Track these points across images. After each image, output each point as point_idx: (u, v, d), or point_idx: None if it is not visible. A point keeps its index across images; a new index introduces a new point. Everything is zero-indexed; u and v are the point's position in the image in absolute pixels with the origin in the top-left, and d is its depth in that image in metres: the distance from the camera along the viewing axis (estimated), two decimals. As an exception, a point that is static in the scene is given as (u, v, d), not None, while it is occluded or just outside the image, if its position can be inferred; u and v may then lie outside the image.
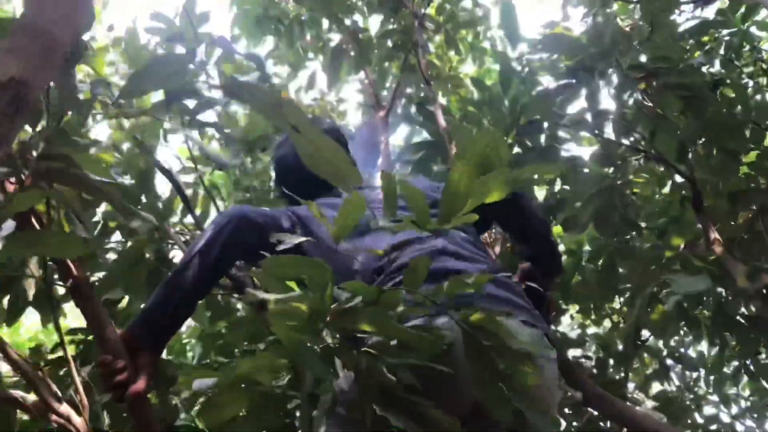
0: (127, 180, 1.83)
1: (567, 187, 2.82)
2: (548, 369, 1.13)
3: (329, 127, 1.76)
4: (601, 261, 2.50)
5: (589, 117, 2.53)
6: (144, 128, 1.81)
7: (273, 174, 1.80)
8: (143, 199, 1.83)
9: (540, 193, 3.46)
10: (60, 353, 1.73)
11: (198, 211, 2.46)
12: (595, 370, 2.56)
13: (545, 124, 2.79)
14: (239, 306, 2.53)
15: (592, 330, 3.04)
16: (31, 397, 1.29)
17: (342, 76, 3.73)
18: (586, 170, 2.61)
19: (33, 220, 0.97)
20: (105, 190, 0.95)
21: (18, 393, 1.31)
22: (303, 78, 7.92)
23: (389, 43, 3.31)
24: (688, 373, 3.16)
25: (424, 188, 1.52)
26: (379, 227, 1.10)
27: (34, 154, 0.88)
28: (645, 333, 2.70)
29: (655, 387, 3.07)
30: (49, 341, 2.91)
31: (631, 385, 3.02)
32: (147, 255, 1.86)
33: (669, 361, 3.04)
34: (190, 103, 1.59)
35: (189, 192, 2.48)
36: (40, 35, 0.72)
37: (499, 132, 0.93)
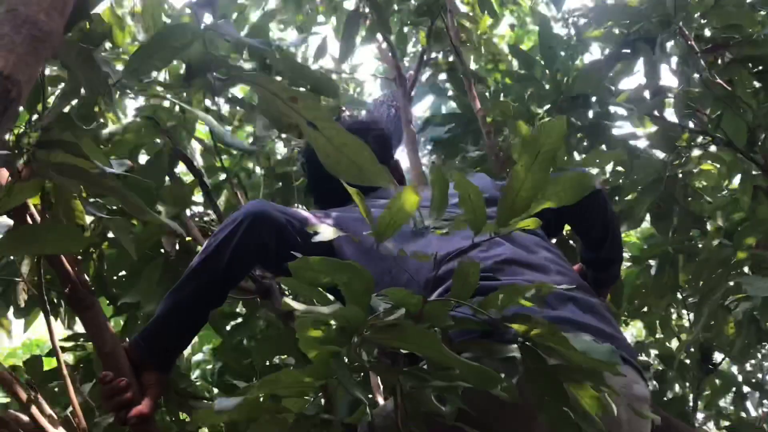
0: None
1: (620, 170, 2.79)
2: (628, 393, 1.10)
3: (362, 124, 1.71)
4: (658, 262, 2.46)
5: (646, 94, 2.48)
6: (158, 108, 1.78)
7: (304, 172, 1.76)
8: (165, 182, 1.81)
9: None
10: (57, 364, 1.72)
11: (222, 204, 2.43)
12: (654, 383, 2.54)
13: (593, 99, 2.75)
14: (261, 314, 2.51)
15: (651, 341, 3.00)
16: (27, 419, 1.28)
17: (358, 43, 3.69)
18: (642, 155, 2.56)
19: (29, 217, 0.95)
20: (108, 185, 0.92)
21: (12, 414, 1.30)
22: (312, 45, 7.86)
23: (412, 3, 3.26)
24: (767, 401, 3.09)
25: (489, 185, 1.48)
26: (425, 229, 1.08)
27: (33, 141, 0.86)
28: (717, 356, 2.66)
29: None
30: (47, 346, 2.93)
31: (700, 416, 2.98)
32: (162, 250, 1.86)
33: (745, 388, 2.98)
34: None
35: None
36: (26, 24, 0.68)
37: (561, 121, 0.90)
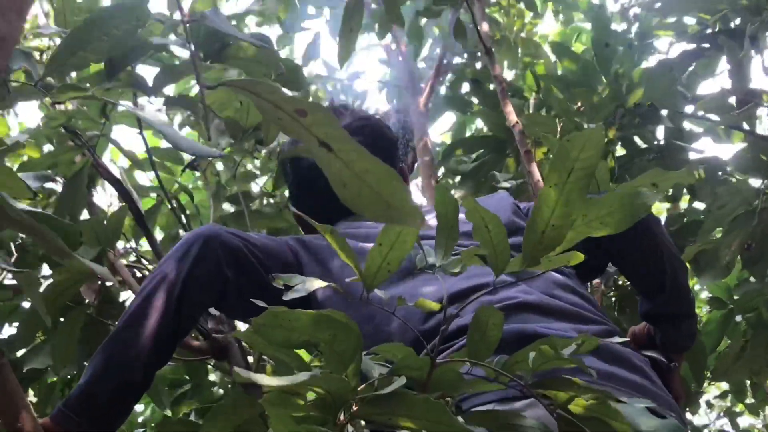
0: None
1: (699, 205, 2.79)
2: None
3: (373, 121, 1.78)
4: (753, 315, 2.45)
5: (732, 101, 2.50)
6: (77, 113, 1.82)
7: (285, 180, 1.80)
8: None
9: (657, 214, 3.41)
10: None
11: (159, 234, 2.47)
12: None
13: (664, 112, 2.78)
14: (214, 377, 2.54)
15: (746, 420, 2.96)
16: None
17: (360, 40, 3.75)
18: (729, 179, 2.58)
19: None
20: (27, 225, 0.94)
21: None
22: (301, 44, 8.00)
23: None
24: None
25: (499, 209, 1.51)
26: (427, 267, 1.10)
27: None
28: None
29: None
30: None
31: None
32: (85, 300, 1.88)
33: None
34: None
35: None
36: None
37: (598, 129, 0.92)
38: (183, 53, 1.58)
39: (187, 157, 2.36)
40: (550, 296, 1.33)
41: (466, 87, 3.54)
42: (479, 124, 3.97)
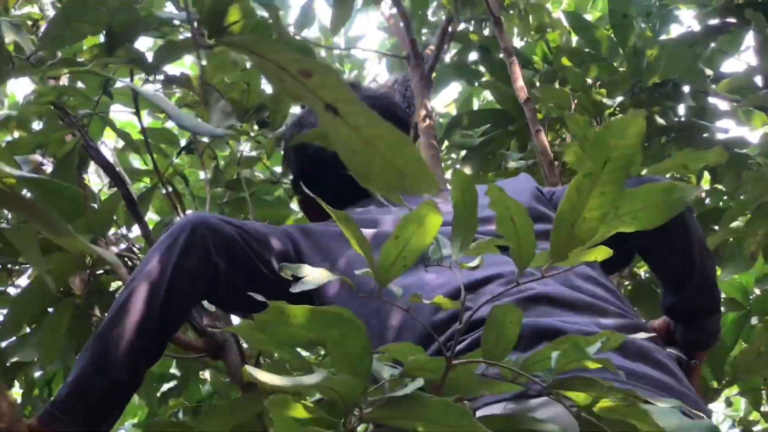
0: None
1: (719, 188, 2.79)
2: None
3: (382, 99, 1.77)
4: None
5: (758, 80, 2.50)
6: (69, 90, 1.80)
7: (289, 167, 1.80)
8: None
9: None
10: None
11: (152, 221, 2.46)
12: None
13: (686, 89, 2.77)
14: (207, 375, 2.53)
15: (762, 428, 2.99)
16: None
17: (358, 5, 3.71)
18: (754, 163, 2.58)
19: None
20: (15, 201, 0.93)
21: None
22: (293, 10, 7.95)
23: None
24: None
25: (519, 193, 1.51)
26: (440, 260, 1.09)
27: None
28: None
29: None
30: None
31: None
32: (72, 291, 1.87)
33: None
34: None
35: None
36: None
37: (640, 116, 0.91)
38: (184, 31, 1.56)
39: (184, 140, 2.36)
40: (570, 288, 1.32)
41: (473, 56, 3.52)
42: (488, 95, 3.96)
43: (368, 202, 1.67)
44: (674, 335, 1.69)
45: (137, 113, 1.94)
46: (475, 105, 4.09)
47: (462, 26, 3.53)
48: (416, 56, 3.27)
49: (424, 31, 3.82)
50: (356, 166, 0.76)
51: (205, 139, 2.30)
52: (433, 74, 3.30)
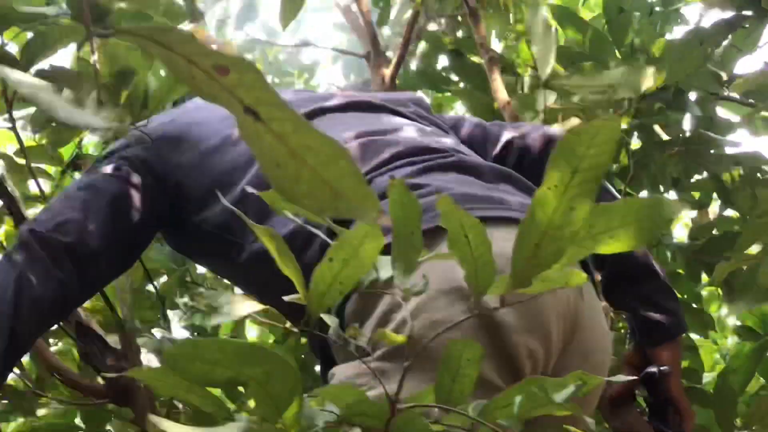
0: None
1: (730, 214, 2.81)
2: None
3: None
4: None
5: (775, 83, 2.53)
6: None
7: None
8: None
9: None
10: None
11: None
12: None
13: (692, 96, 2.80)
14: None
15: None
16: None
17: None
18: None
19: None
20: None
21: None
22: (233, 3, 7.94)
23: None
24: None
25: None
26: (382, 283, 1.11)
27: None
28: None
29: None
30: None
31: None
32: None
33: None
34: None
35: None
36: None
37: (614, 120, 0.92)
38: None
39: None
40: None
41: (443, 61, 3.53)
42: (459, 106, 3.97)
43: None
44: (642, 355, 1.78)
45: (12, 127, 1.92)
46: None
47: (431, 26, 3.54)
48: (377, 54, 3.28)
49: (388, 32, 3.83)
50: (281, 182, 0.75)
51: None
52: (397, 79, 3.31)
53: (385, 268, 1.11)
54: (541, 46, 2.82)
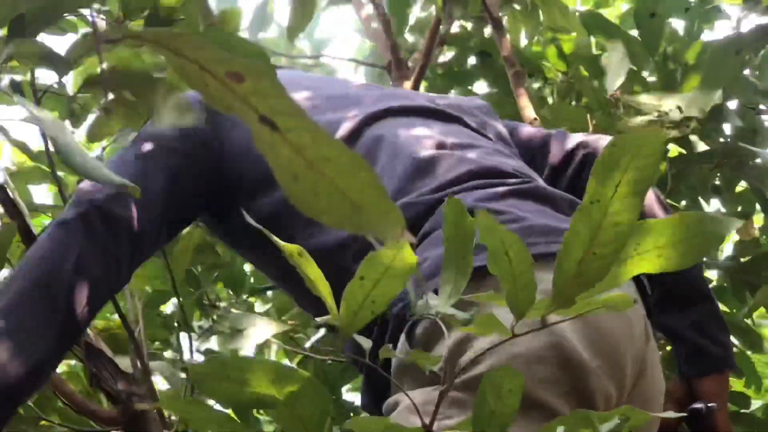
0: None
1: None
2: None
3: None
4: None
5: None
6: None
7: None
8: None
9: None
10: None
11: None
12: None
13: (732, 104, 2.79)
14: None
15: None
16: None
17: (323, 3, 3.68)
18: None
19: None
20: None
21: None
22: (247, 9, 7.99)
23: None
24: None
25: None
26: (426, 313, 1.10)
27: None
28: None
29: None
30: None
31: None
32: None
33: None
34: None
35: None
36: None
37: (661, 131, 0.91)
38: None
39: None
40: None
41: (471, 61, 3.51)
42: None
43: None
44: (686, 387, 1.76)
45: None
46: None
47: (457, 27, 3.52)
48: (399, 65, 3.26)
49: (408, 35, 3.81)
50: (299, 195, 0.74)
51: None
52: (420, 88, 3.29)
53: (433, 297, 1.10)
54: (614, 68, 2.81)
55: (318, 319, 1.06)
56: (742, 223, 2.66)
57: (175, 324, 2.37)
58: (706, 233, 0.93)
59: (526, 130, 1.94)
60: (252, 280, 2.96)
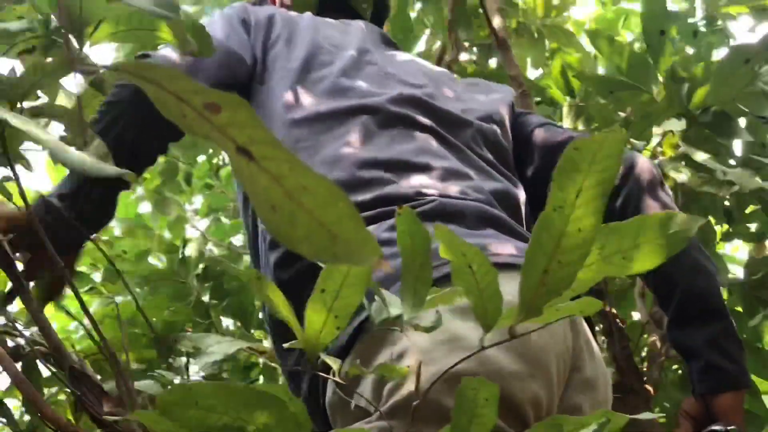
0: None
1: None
2: None
3: None
4: None
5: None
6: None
7: None
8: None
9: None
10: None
11: None
12: None
13: (741, 121, 2.77)
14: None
15: None
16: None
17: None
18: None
19: None
20: None
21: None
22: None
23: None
24: None
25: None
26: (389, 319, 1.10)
27: None
28: None
29: None
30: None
31: None
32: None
33: None
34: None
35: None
36: None
37: (619, 132, 0.90)
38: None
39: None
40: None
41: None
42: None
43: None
44: (702, 405, 1.75)
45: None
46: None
47: (462, 57, 3.54)
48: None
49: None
50: (276, 226, 0.75)
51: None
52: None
53: (395, 305, 1.10)
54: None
55: (285, 345, 1.05)
56: (701, 221, 2.64)
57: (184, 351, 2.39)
58: (671, 234, 0.92)
59: (552, 131, 1.97)
60: (260, 315, 2.96)
